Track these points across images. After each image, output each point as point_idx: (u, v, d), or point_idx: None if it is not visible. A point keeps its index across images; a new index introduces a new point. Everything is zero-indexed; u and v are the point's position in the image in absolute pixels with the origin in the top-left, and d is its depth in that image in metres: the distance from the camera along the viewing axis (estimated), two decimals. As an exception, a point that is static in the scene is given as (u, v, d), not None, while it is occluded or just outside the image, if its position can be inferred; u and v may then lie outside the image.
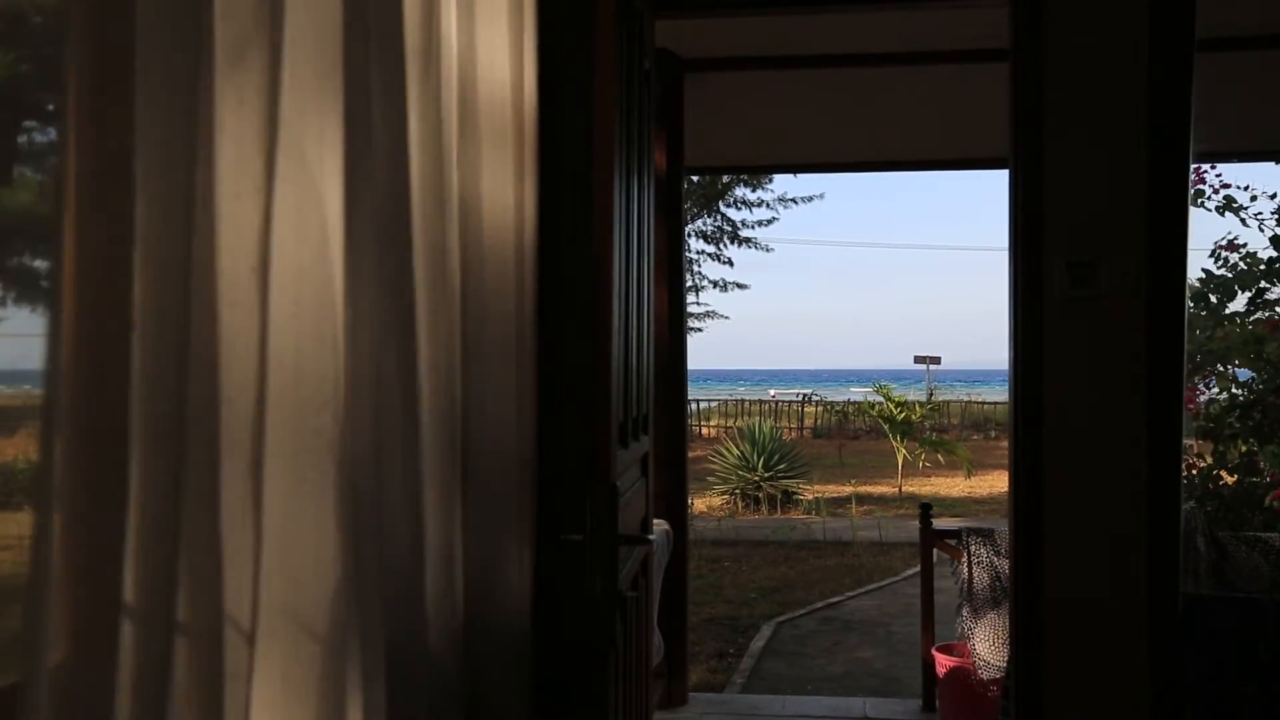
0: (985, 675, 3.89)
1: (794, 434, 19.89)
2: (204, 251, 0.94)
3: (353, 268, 1.19)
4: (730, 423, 20.15)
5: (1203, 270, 5.06)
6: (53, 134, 0.89)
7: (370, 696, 1.13)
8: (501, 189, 1.67)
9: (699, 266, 17.07)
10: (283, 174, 1.06)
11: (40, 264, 0.89)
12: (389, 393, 1.35)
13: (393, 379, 1.37)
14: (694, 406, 21.12)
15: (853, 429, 20.18)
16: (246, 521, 0.97)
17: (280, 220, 1.04)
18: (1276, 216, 5.02)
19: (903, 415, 13.59)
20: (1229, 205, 5.06)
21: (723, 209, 16.76)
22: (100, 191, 0.88)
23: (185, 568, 0.93)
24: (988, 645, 3.89)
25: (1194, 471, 4.58)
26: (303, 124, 1.09)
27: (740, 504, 11.81)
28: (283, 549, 1.00)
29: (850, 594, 7.40)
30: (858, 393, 23.50)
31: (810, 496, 12.04)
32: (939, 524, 4.50)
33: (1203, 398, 4.95)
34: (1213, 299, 4.98)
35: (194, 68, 0.93)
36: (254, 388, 0.99)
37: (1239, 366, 4.86)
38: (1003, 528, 3.82)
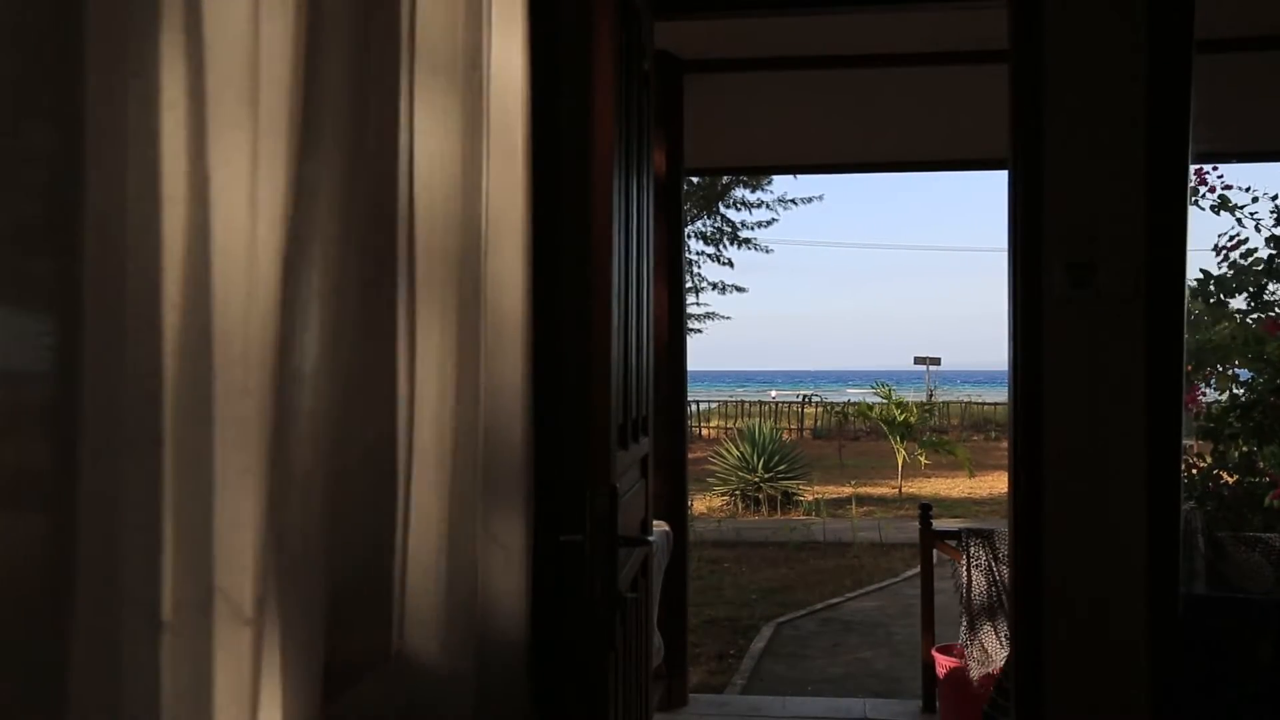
0: (975, 674, 3.88)
1: (794, 435, 19.89)
2: (150, 248, 0.94)
3: (356, 267, 1.19)
4: (730, 424, 20.16)
5: (1200, 271, 5.07)
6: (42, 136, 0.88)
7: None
8: (512, 193, 1.68)
9: (698, 268, 17.09)
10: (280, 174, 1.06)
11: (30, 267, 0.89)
12: (391, 393, 1.35)
13: (399, 380, 1.37)
14: (694, 407, 21.13)
15: (852, 430, 20.19)
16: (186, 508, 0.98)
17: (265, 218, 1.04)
18: (1275, 215, 5.02)
19: (902, 416, 13.60)
20: (1224, 204, 5.07)
21: (722, 210, 16.77)
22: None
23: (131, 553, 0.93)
24: (984, 656, 3.89)
25: (1194, 471, 4.58)
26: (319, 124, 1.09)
27: (740, 505, 11.81)
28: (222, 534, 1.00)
29: (850, 595, 7.40)
30: (853, 394, 23.54)
31: (810, 497, 12.04)
32: (939, 525, 4.50)
33: (1204, 398, 4.95)
34: (1214, 295, 4.98)
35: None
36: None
37: (1239, 366, 4.86)
38: (1002, 528, 3.81)
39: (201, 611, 0.98)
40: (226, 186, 1.00)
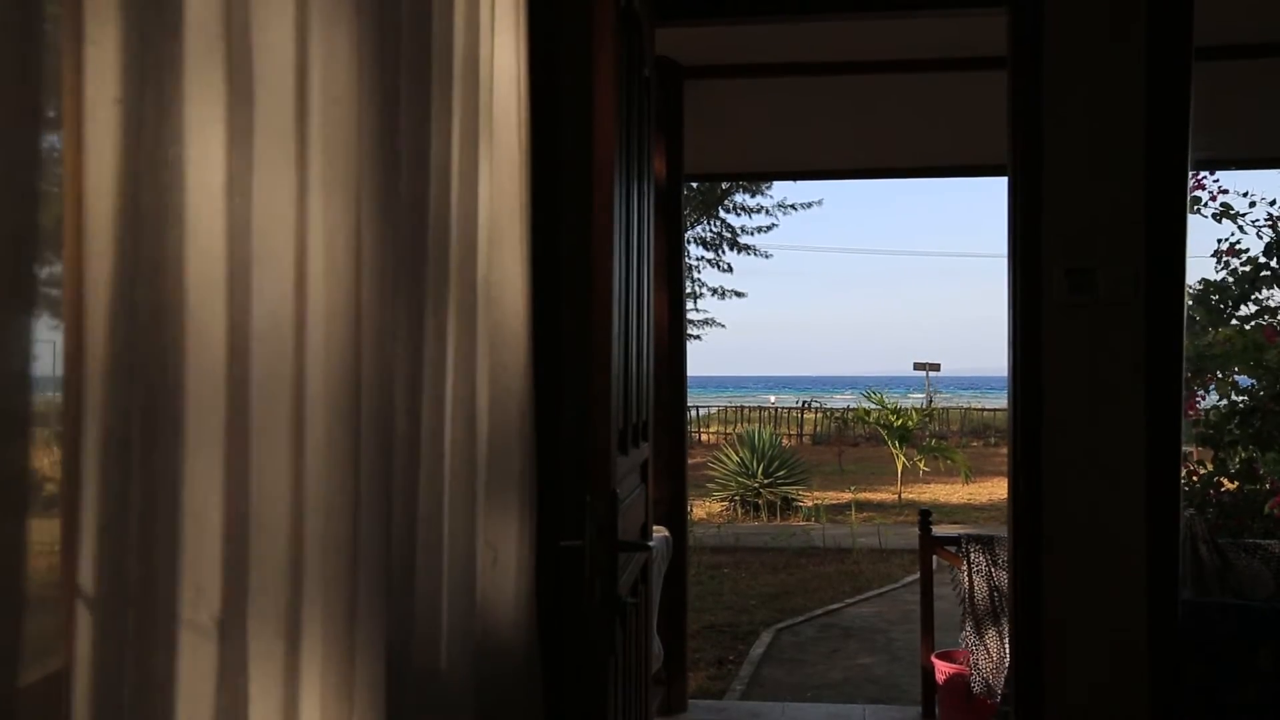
0: (977, 689, 3.90)
1: (793, 440, 19.87)
2: (177, 254, 0.95)
3: (373, 277, 1.20)
4: (730, 429, 20.14)
5: (1201, 279, 5.08)
6: (55, 140, 0.89)
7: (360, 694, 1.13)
8: (511, 199, 1.68)
9: (698, 273, 17.09)
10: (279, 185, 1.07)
11: (41, 271, 0.89)
12: (401, 398, 1.35)
13: (406, 384, 1.37)
14: (694, 413, 21.12)
15: (852, 435, 20.17)
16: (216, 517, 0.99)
17: (274, 232, 1.05)
18: (1272, 222, 5.02)
19: (900, 421, 13.59)
20: (1225, 212, 5.07)
21: (722, 214, 16.77)
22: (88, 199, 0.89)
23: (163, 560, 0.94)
24: (991, 664, 3.89)
25: (1194, 479, 4.58)
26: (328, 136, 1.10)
27: (740, 510, 11.79)
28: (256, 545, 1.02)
29: (850, 601, 7.39)
30: (843, 400, 23.55)
31: (810, 503, 12.02)
32: (938, 531, 4.49)
33: (1203, 404, 4.95)
34: (1213, 300, 4.99)
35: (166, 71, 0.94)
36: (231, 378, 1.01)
37: (1239, 373, 4.87)
38: (1002, 534, 3.81)
39: (226, 613, 0.99)
40: (248, 189, 1.01)
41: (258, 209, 1.03)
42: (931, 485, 14.19)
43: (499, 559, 1.68)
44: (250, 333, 1.02)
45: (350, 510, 1.12)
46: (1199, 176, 5.09)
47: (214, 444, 0.99)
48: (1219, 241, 5.09)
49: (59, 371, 0.90)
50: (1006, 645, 3.84)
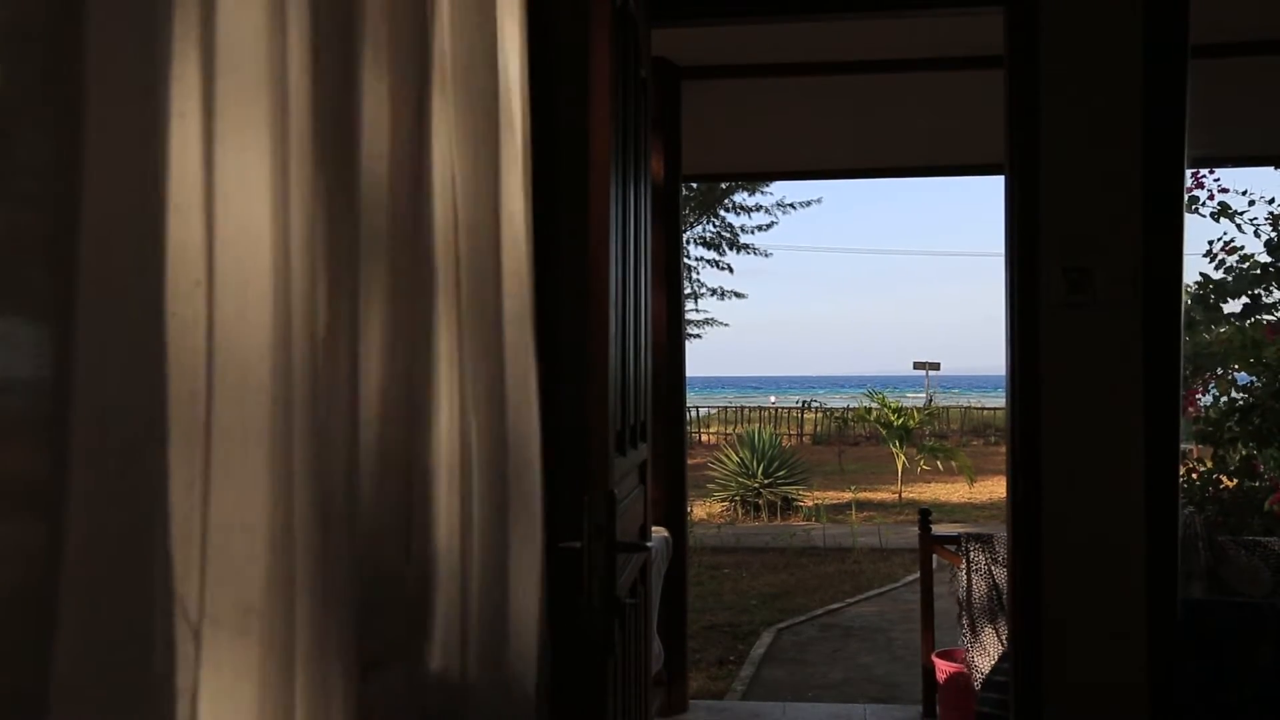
0: (978, 677, 3.90)
1: (793, 440, 19.88)
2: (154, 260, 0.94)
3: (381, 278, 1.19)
4: (730, 429, 20.15)
5: (1200, 274, 5.09)
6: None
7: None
8: (515, 201, 1.68)
9: (698, 274, 17.08)
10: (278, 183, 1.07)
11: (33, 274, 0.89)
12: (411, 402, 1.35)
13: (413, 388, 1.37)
14: (693, 413, 21.13)
15: (852, 435, 20.19)
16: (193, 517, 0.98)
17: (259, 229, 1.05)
18: (1271, 220, 5.03)
19: (900, 421, 13.60)
20: (1224, 211, 5.08)
21: (721, 214, 16.76)
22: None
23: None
24: (987, 661, 3.89)
25: (1194, 476, 4.59)
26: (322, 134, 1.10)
27: (740, 511, 11.80)
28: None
29: (850, 600, 7.40)
30: (843, 400, 23.57)
31: (810, 503, 12.03)
32: (938, 530, 4.50)
33: (1203, 400, 4.96)
34: (1211, 299, 5.01)
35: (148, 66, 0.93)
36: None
37: (1238, 370, 4.87)
38: (1002, 533, 3.82)
39: (212, 617, 0.99)
40: (235, 196, 1.01)
41: (248, 215, 1.02)
42: (932, 484, 14.20)
43: (517, 561, 1.67)
44: (260, 339, 1.02)
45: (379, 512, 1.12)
46: (1197, 174, 5.10)
47: (208, 447, 0.99)
48: (1210, 244, 5.10)
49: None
50: (1003, 641, 3.85)
